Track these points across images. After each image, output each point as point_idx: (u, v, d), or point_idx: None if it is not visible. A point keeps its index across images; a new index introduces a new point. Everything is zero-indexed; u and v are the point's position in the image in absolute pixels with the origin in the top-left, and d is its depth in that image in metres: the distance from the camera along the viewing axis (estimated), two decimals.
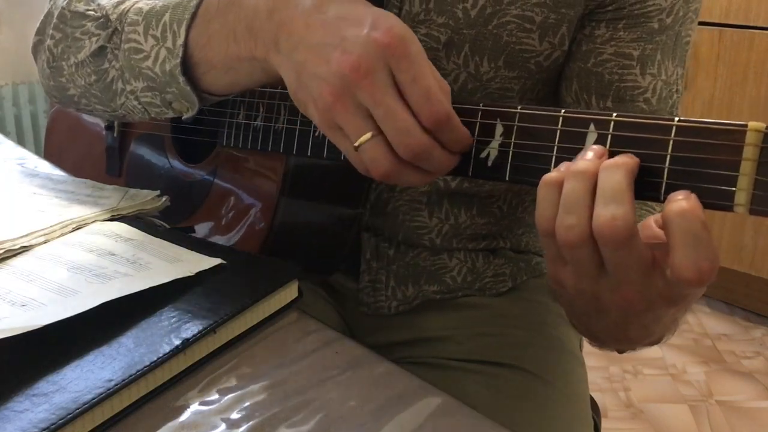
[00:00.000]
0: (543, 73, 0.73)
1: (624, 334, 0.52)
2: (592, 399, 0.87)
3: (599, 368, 2.07)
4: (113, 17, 0.69)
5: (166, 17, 0.64)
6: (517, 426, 0.73)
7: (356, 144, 0.52)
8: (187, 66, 0.63)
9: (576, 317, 0.56)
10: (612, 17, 0.68)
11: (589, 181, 0.45)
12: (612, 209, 0.43)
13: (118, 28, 0.68)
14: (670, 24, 0.68)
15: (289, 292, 0.58)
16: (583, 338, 0.60)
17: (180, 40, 0.62)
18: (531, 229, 0.87)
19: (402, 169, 0.53)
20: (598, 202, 0.44)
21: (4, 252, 0.60)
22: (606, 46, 0.69)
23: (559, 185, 0.46)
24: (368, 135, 0.52)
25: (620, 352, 0.64)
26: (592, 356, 2.09)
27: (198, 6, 0.63)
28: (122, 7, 0.69)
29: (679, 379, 2.02)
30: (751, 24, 2.10)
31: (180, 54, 0.62)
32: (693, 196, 0.43)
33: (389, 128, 0.51)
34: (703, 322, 2.29)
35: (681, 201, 0.43)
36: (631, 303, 0.46)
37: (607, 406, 1.91)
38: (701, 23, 2.16)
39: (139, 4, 0.68)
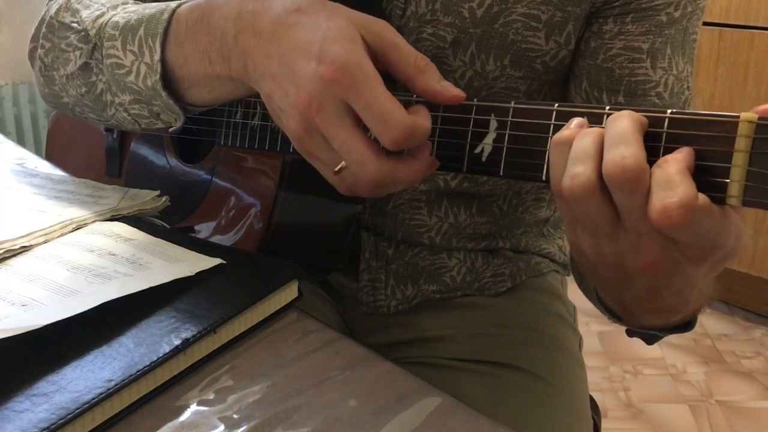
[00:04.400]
0: (550, 74, 0.73)
1: (658, 302, 0.51)
2: (592, 399, 0.87)
3: (599, 368, 2.07)
4: (92, 32, 0.68)
5: (141, 32, 0.64)
6: (517, 426, 0.73)
7: (336, 170, 0.53)
8: (169, 81, 0.63)
9: (606, 289, 0.55)
10: (619, 12, 0.68)
11: (597, 136, 0.45)
12: (621, 150, 0.43)
13: (98, 43, 0.68)
14: (678, 18, 0.68)
15: (289, 292, 0.58)
16: (624, 327, 0.59)
17: (156, 56, 0.62)
18: (530, 229, 0.87)
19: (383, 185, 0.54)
20: (606, 150, 0.44)
21: (4, 252, 0.60)
22: (615, 41, 0.69)
23: (570, 143, 0.46)
24: (344, 163, 0.53)
25: (659, 331, 0.62)
26: (592, 356, 2.09)
27: (169, 21, 0.63)
28: (100, 21, 0.68)
29: (679, 379, 2.02)
30: (751, 24, 2.10)
31: (159, 70, 0.62)
32: (686, 149, 0.43)
33: (347, 160, 0.52)
34: (703, 322, 2.29)
35: (665, 156, 0.43)
36: (655, 264, 0.45)
37: (607, 406, 1.91)
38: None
39: (116, 18, 0.67)
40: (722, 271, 0.49)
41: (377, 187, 0.53)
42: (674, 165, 0.42)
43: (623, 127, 0.44)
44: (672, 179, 0.42)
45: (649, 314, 0.55)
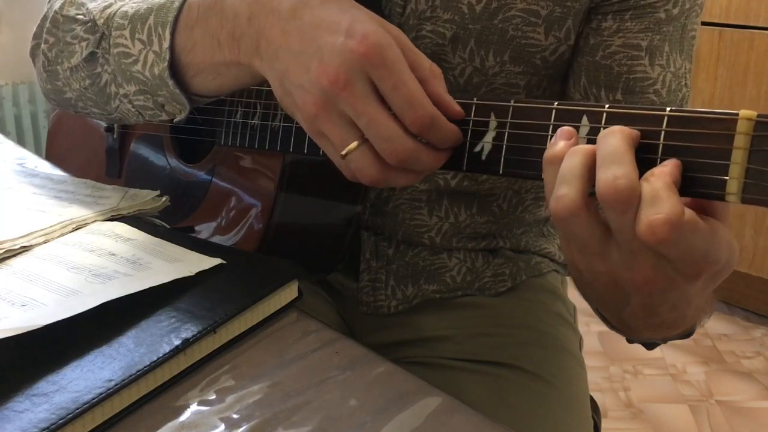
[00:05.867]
0: (549, 69, 0.73)
1: (655, 318, 0.51)
2: (592, 399, 0.87)
3: (599, 368, 2.07)
4: (100, 22, 0.69)
5: (151, 20, 0.64)
6: (517, 426, 0.73)
7: (343, 153, 0.53)
8: (175, 69, 0.63)
9: (603, 307, 0.55)
10: (618, 8, 0.68)
11: (586, 156, 0.45)
12: (613, 170, 0.43)
13: (106, 32, 0.68)
14: (677, 15, 0.68)
15: (289, 292, 0.58)
16: (623, 336, 0.60)
17: (165, 44, 0.62)
18: (530, 229, 0.87)
19: (390, 173, 0.54)
20: (598, 169, 0.44)
21: (4, 252, 0.60)
22: (614, 38, 0.69)
23: (560, 161, 0.46)
24: (354, 144, 0.53)
25: (661, 341, 0.62)
26: (592, 356, 2.09)
27: (180, 9, 0.63)
28: (108, 11, 0.69)
29: (679, 379, 2.02)
30: (751, 24, 2.10)
31: (167, 58, 0.63)
32: (673, 161, 0.44)
33: (373, 136, 0.52)
34: None
35: (652, 170, 0.43)
36: (649, 282, 0.45)
37: (607, 406, 1.91)
38: (701, 23, 2.15)
39: (125, 8, 0.67)
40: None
41: (399, 165, 0.53)
42: (661, 180, 0.42)
43: (615, 145, 0.44)
44: (658, 195, 0.42)
45: (648, 329, 0.55)
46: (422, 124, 0.51)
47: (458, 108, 0.54)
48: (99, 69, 0.70)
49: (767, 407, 1.91)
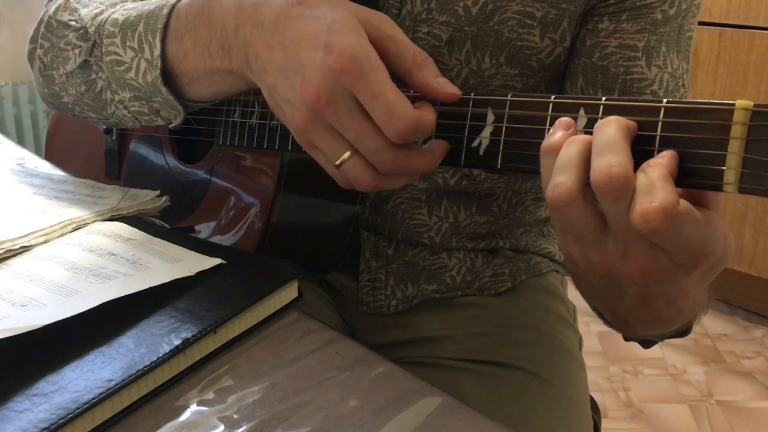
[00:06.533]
0: (545, 72, 0.73)
1: (652, 312, 0.51)
2: (592, 399, 0.87)
3: (599, 368, 2.07)
4: (91, 29, 0.68)
5: (140, 28, 0.64)
6: (517, 426, 0.73)
7: (337, 163, 0.53)
8: (169, 76, 0.63)
9: (599, 301, 0.55)
10: (614, 10, 0.68)
11: (584, 145, 0.45)
12: (607, 158, 0.43)
13: (97, 40, 0.68)
14: (673, 16, 0.68)
15: (289, 292, 0.58)
16: (620, 334, 0.60)
17: (156, 51, 0.62)
18: (530, 229, 0.87)
19: (384, 179, 0.54)
20: (593, 157, 0.44)
21: (4, 252, 0.60)
22: (610, 39, 0.69)
23: (557, 151, 0.46)
24: (347, 154, 0.53)
25: (658, 338, 0.62)
26: (592, 356, 2.09)
27: (169, 16, 0.63)
28: (99, 18, 0.69)
29: (679, 379, 2.02)
30: (751, 24, 2.10)
31: (159, 65, 0.62)
32: (670, 152, 0.44)
33: (361, 149, 0.52)
34: (703, 322, 2.27)
35: (649, 161, 0.43)
36: (645, 273, 0.45)
37: (607, 406, 1.91)
38: (701, 23, 2.16)
39: (115, 15, 0.67)
40: (722, 271, 0.49)
41: (391, 173, 0.53)
42: (657, 170, 0.42)
43: (610, 134, 0.44)
44: (653, 184, 0.42)
45: (644, 325, 0.55)
46: (405, 135, 0.50)
47: (450, 89, 0.53)
48: (93, 76, 0.70)
49: (767, 407, 1.92)
